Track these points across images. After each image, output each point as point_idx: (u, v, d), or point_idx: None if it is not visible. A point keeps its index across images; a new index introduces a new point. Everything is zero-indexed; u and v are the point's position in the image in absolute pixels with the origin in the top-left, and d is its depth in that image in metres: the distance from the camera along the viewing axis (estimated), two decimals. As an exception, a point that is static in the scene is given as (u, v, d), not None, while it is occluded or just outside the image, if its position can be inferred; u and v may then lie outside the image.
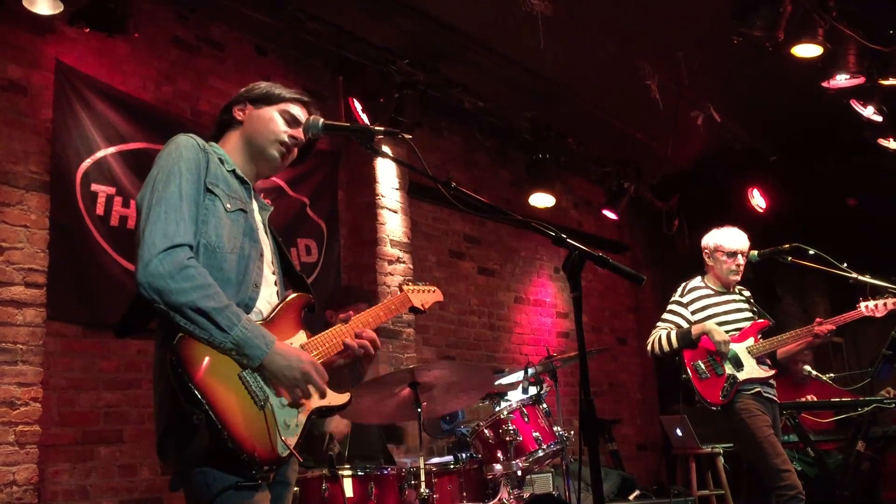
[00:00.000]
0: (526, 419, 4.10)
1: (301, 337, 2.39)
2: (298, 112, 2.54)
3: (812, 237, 4.73)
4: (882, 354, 5.32)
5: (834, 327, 4.55)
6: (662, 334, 4.66)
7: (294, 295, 2.44)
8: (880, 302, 4.49)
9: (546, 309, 8.44)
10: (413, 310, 2.94)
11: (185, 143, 2.31)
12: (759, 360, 4.49)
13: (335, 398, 2.41)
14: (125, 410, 4.80)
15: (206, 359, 2.10)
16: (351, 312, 2.59)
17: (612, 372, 9.17)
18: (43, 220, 4.42)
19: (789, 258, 4.65)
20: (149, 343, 2.22)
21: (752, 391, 4.43)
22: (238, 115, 2.51)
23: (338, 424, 4.10)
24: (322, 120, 2.56)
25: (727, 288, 4.69)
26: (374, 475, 3.62)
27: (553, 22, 5.44)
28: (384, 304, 2.77)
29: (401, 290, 2.95)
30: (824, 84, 5.94)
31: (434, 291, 3.06)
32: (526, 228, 2.47)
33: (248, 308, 2.26)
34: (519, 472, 4.00)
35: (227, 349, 2.12)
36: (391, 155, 2.88)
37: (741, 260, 4.61)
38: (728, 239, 4.64)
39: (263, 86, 2.57)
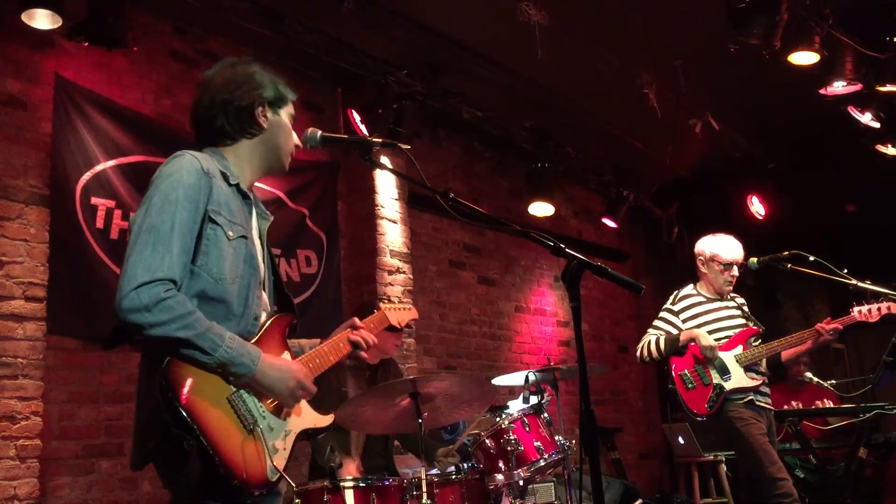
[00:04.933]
0: (527, 429, 4.09)
1: (285, 358, 2.36)
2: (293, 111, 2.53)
3: (811, 244, 4.72)
4: (883, 361, 5.31)
5: (841, 327, 4.50)
6: (651, 339, 4.65)
7: (277, 316, 2.40)
8: (873, 307, 4.47)
9: (547, 318, 8.43)
10: (390, 328, 3.07)
11: (189, 168, 2.18)
12: (748, 369, 4.45)
13: (320, 420, 2.44)
14: (126, 424, 4.78)
15: (195, 382, 2.08)
16: (355, 319, 2.64)
17: (614, 380, 9.15)
18: (43, 233, 4.42)
19: (789, 265, 4.64)
20: (149, 356, 2.22)
21: (744, 399, 4.40)
22: (262, 121, 2.40)
23: None
24: (320, 132, 2.54)
25: (720, 295, 4.67)
26: (375, 486, 3.59)
27: (550, 32, 5.46)
28: (364, 322, 2.76)
29: (378, 308, 3.01)
30: (822, 91, 5.95)
31: (409, 309, 3.20)
32: (524, 238, 2.48)
33: (247, 338, 2.24)
34: (521, 482, 3.97)
35: (214, 370, 2.11)
36: (389, 166, 2.90)
37: (736, 271, 4.59)
38: (725, 249, 4.60)
39: (266, 80, 2.45)
